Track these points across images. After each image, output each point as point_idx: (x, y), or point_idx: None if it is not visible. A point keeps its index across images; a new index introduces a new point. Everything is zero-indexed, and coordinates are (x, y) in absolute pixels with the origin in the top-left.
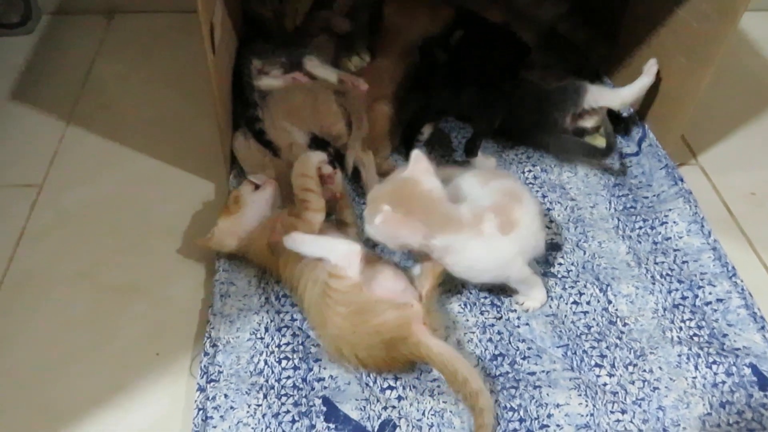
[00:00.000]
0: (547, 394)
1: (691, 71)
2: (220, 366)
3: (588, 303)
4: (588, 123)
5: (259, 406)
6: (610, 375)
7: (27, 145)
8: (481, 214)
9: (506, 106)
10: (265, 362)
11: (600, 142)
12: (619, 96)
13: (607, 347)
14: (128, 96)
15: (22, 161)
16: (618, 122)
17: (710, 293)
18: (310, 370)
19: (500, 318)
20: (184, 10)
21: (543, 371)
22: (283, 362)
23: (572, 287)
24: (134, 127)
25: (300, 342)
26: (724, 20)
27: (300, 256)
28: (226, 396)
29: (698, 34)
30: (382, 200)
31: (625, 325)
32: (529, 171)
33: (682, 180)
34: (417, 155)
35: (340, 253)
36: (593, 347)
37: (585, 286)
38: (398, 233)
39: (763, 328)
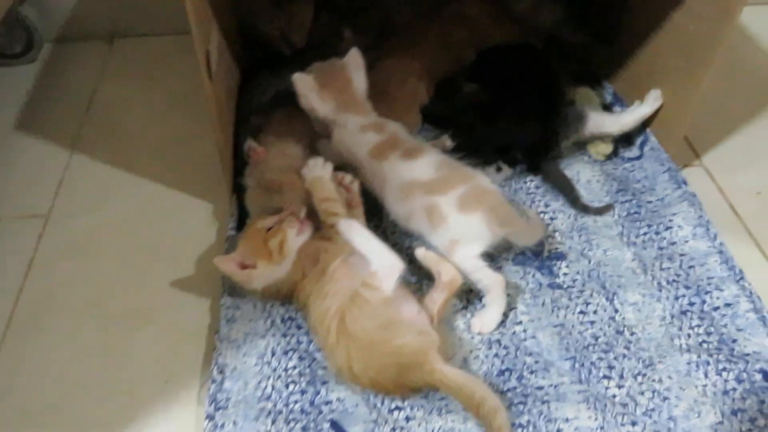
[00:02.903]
0: (556, 409)
1: (691, 73)
2: (228, 393)
3: (595, 312)
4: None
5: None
6: (619, 386)
7: (33, 175)
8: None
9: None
10: (273, 387)
11: (603, 148)
12: (619, 123)
13: (615, 358)
14: (132, 120)
15: (28, 191)
16: None
17: (718, 298)
18: (318, 393)
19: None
20: (185, 31)
21: (551, 385)
22: (291, 386)
23: (578, 297)
24: (138, 151)
25: (307, 365)
26: (720, 22)
27: (317, 277)
28: (234, 423)
29: (695, 36)
30: (312, 71)
31: (632, 334)
32: (531, 180)
33: (685, 183)
34: (354, 52)
35: (383, 261)
36: (601, 358)
37: (591, 296)
38: (308, 96)
39: None
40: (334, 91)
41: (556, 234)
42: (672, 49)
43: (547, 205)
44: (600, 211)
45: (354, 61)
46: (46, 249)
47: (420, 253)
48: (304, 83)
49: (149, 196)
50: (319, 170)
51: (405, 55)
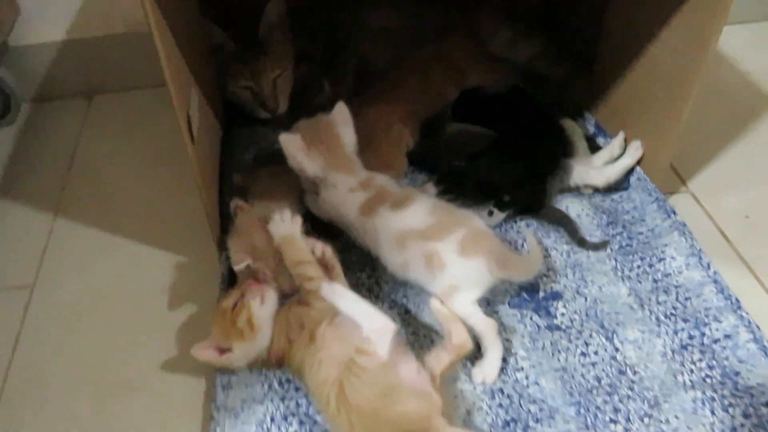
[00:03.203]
0: None
1: (671, 104)
2: None
3: (596, 353)
4: None
5: None
6: (627, 430)
7: (16, 243)
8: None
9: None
10: None
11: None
12: (604, 175)
13: (619, 400)
14: (115, 178)
15: (11, 261)
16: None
17: (717, 329)
18: None
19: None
20: (164, 83)
21: None
22: None
23: (578, 338)
24: (124, 211)
25: (308, 429)
26: (696, 54)
27: (305, 342)
28: None
29: (673, 68)
30: (298, 129)
31: (635, 373)
32: (521, 219)
33: (674, 212)
34: (341, 107)
35: (374, 325)
36: (606, 402)
37: (591, 336)
38: (297, 156)
39: None
40: (323, 149)
41: (550, 272)
42: (651, 80)
43: (539, 243)
44: (597, 247)
45: (341, 117)
46: (34, 320)
47: (434, 305)
48: (291, 143)
49: (137, 259)
50: (287, 227)
51: (387, 101)
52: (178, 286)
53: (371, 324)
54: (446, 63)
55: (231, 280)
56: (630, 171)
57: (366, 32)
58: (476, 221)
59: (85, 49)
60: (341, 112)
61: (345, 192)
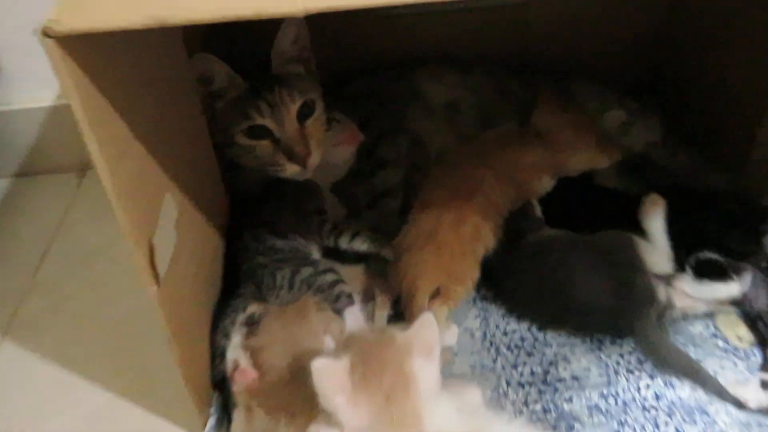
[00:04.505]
0: None
1: None
2: None
3: None
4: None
5: None
6: None
7: None
8: None
9: None
10: None
11: (739, 330)
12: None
13: None
14: (95, 285)
15: None
16: None
17: None
18: None
19: None
20: None
21: None
22: None
23: None
24: (96, 338)
25: None
26: None
27: None
28: None
29: None
30: (347, 349)
31: None
32: (647, 386)
33: None
34: (427, 319)
35: None
36: None
37: None
38: (333, 401)
39: None
40: (379, 399)
41: None
42: None
43: (678, 431)
44: None
45: (424, 340)
46: None
47: None
48: (327, 377)
49: (96, 413)
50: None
51: (459, 190)
52: None
53: None
54: (537, 141)
55: None
56: None
57: (422, 107)
58: None
59: None
60: (427, 332)
61: None
